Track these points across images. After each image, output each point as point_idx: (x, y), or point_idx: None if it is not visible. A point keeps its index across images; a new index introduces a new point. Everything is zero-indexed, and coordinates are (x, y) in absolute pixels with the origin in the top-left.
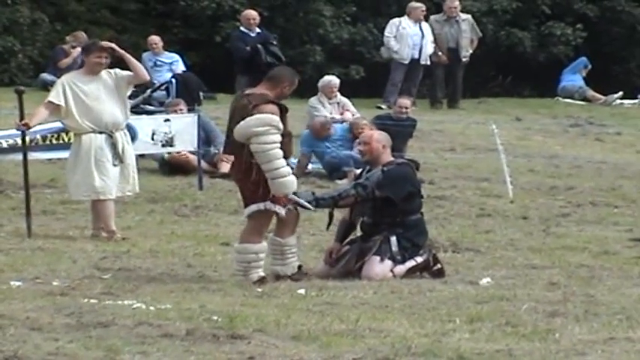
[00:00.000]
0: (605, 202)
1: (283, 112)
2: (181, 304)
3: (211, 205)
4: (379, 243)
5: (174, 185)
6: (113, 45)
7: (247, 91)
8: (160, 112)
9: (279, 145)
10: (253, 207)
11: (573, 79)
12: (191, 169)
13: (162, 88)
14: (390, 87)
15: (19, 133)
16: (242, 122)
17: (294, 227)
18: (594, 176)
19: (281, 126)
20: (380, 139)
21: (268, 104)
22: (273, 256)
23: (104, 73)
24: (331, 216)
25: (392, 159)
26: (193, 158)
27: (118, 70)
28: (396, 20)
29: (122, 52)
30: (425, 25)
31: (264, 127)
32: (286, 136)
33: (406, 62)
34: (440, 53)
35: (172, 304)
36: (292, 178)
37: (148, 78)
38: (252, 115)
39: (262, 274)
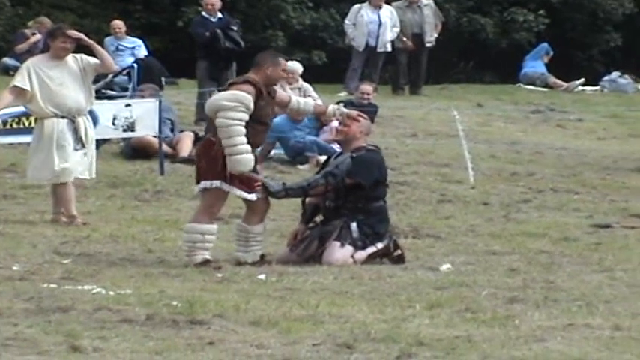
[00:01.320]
0: (566, 189)
1: (263, 95)
2: (141, 289)
3: (172, 190)
4: (339, 228)
5: (135, 170)
6: (81, 35)
7: (231, 81)
8: (122, 97)
9: (243, 123)
10: (202, 184)
11: (535, 65)
12: (154, 152)
13: (124, 73)
14: (350, 73)
15: None
16: (214, 95)
17: (263, 215)
18: (555, 163)
19: (251, 106)
20: (362, 124)
21: (245, 84)
22: (238, 242)
23: (70, 58)
24: (304, 205)
25: (363, 145)
26: (155, 141)
27: (84, 56)
28: (356, 7)
29: (90, 42)
30: (385, 11)
31: (233, 103)
32: (263, 124)
33: (361, 49)
34: (405, 39)
35: (132, 289)
36: (249, 157)
37: (115, 68)
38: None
39: (207, 256)
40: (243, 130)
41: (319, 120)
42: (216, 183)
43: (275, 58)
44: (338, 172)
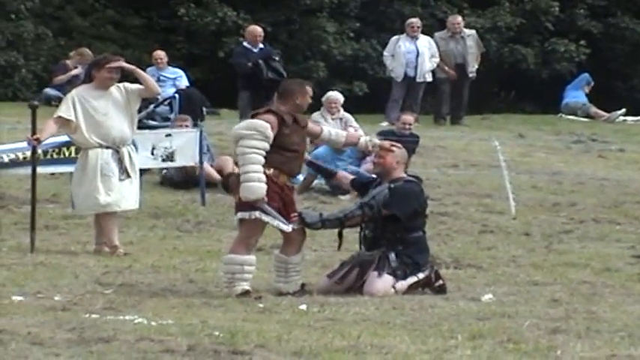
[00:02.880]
0: (608, 219)
1: (286, 123)
2: (183, 319)
3: (213, 220)
4: (378, 258)
5: (176, 200)
6: (122, 63)
7: (254, 112)
8: (163, 127)
9: (261, 151)
10: (239, 214)
11: (576, 95)
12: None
13: (166, 103)
14: (391, 103)
15: (22, 147)
16: (236, 126)
17: (301, 245)
18: (597, 193)
19: (269, 134)
20: (397, 154)
21: (265, 113)
22: (277, 273)
23: (113, 88)
24: (341, 236)
25: (402, 175)
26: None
27: (127, 84)
28: (394, 38)
29: (131, 67)
30: (423, 42)
31: (249, 131)
32: (291, 151)
33: (400, 80)
34: (447, 69)
35: (174, 320)
36: (260, 186)
37: (159, 90)
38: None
39: (247, 287)
40: (260, 159)
41: (361, 150)
42: (255, 213)
43: (302, 86)
44: (374, 202)
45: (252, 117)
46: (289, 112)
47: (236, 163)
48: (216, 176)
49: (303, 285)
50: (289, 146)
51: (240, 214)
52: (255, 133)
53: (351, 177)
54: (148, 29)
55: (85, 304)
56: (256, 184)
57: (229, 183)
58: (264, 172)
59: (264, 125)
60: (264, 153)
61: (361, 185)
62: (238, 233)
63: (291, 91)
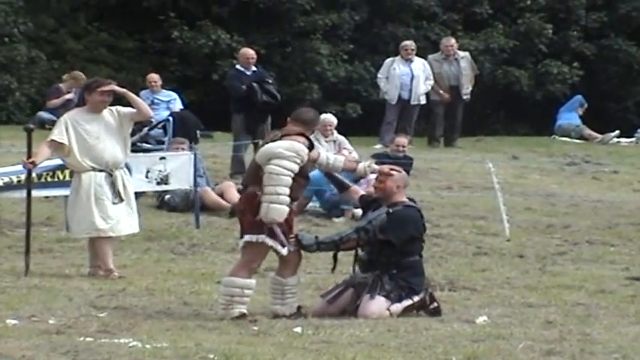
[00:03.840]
0: (602, 241)
1: (310, 150)
2: (177, 342)
3: (208, 243)
4: (372, 281)
5: (170, 223)
6: (113, 86)
7: (281, 132)
8: (157, 150)
9: (292, 175)
10: (246, 237)
11: (570, 117)
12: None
13: (160, 126)
14: (385, 126)
15: (17, 170)
16: (271, 143)
17: (296, 267)
18: (591, 215)
19: (305, 159)
20: (397, 178)
21: (300, 136)
22: (274, 295)
23: (106, 112)
24: (335, 259)
25: (402, 200)
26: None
27: (120, 108)
28: (388, 61)
29: (123, 90)
30: (417, 64)
31: (290, 153)
32: (306, 178)
33: (394, 102)
34: (441, 92)
35: (169, 343)
36: (287, 209)
37: (151, 114)
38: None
39: (244, 310)
40: (291, 182)
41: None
42: (262, 237)
43: (318, 116)
44: (370, 227)
45: (282, 137)
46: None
47: (239, 190)
48: (224, 203)
49: (299, 307)
50: (305, 173)
51: (247, 237)
52: (295, 155)
53: (362, 192)
54: (141, 52)
55: (80, 327)
56: (284, 207)
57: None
58: None
59: (304, 149)
60: (293, 176)
61: (367, 203)
62: (241, 256)
63: (312, 120)
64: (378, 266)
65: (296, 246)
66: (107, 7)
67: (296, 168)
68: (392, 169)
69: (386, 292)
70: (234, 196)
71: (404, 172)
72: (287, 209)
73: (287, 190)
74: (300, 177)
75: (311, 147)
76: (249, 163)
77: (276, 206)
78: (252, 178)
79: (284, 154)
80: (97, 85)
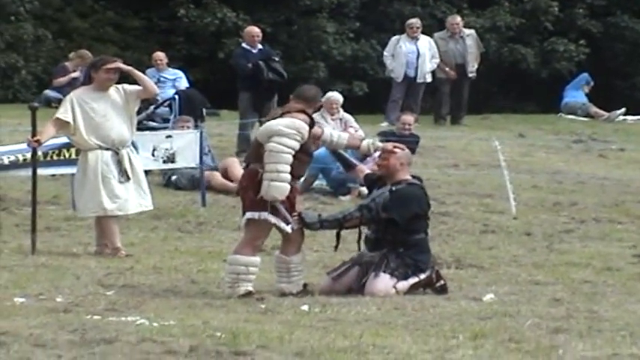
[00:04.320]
0: (609, 219)
1: (312, 127)
2: (185, 320)
3: (214, 221)
4: (379, 259)
5: (177, 202)
6: (119, 64)
7: (282, 109)
8: (163, 128)
9: (293, 152)
10: (248, 214)
11: (576, 95)
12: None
13: (166, 104)
14: (391, 104)
15: (23, 149)
16: (271, 120)
17: (300, 245)
18: (598, 192)
19: (306, 136)
20: (400, 156)
21: (301, 113)
22: (279, 274)
23: (112, 90)
24: (338, 237)
25: (406, 177)
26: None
27: (126, 86)
28: (394, 38)
29: (128, 67)
30: (423, 42)
31: (290, 130)
32: (309, 155)
33: (399, 80)
34: (447, 69)
35: (176, 321)
36: (287, 186)
37: (157, 91)
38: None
39: (250, 288)
40: (291, 159)
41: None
42: (264, 214)
43: (320, 93)
44: (373, 205)
45: (283, 114)
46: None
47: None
48: (231, 185)
49: (305, 285)
50: (309, 150)
51: (249, 214)
52: (295, 133)
53: (368, 171)
54: (147, 30)
55: (87, 305)
56: (285, 185)
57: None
58: None
59: (304, 127)
60: (293, 153)
61: (372, 181)
62: (244, 234)
63: (314, 96)
64: (384, 244)
65: (299, 224)
66: None
67: (296, 145)
68: (395, 147)
69: (391, 269)
70: (239, 172)
71: (407, 150)
72: (288, 187)
73: (287, 168)
74: (303, 154)
75: (312, 124)
76: (252, 141)
77: (277, 184)
78: (254, 156)
79: (284, 131)
80: (103, 62)
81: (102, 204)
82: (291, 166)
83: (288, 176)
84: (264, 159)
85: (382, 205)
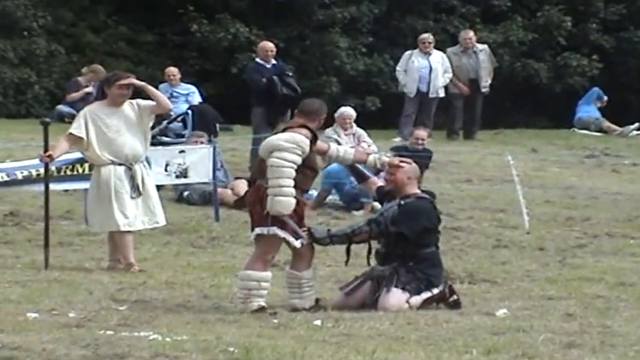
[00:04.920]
0: (622, 233)
1: (316, 141)
2: (198, 335)
3: (227, 236)
4: (389, 274)
5: (190, 217)
6: (132, 80)
7: (285, 124)
8: (176, 143)
9: (295, 166)
10: (257, 230)
11: (589, 110)
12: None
13: (179, 119)
14: (404, 119)
15: (36, 164)
16: (272, 136)
17: (310, 260)
18: (610, 207)
19: (307, 150)
20: (407, 170)
21: (302, 128)
22: (291, 290)
23: (126, 105)
24: (349, 252)
25: (414, 192)
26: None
27: (140, 101)
28: (407, 54)
29: (142, 83)
30: (435, 57)
31: (290, 144)
32: (313, 170)
33: (412, 95)
34: (460, 84)
35: (189, 336)
36: (292, 200)
37: (170, 106)
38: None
39: (263, 303)
40: (293, 174)
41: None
42: (273, 229)
43: (324, 106)
44: (382, 219)
45: (285, 130)
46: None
47: (250, 183)
48: (233, 197)
49: (317, 300)
50: (312, 164)
51: (258, 230)
52: (296, 147)
53: (380, 183)
54: (160, 46)
55: (100, 320)
56: (289, 199)
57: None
58: None
59: (305, 141)
60: (295, 168)
61: (384, 195)
62: (255, 249)
63: (317, 110)
64: (394, 258)
65: (308, 239)
66: (126, 1)
67: (297, 159)
68: (402, 161)
69: (402, 284)
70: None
71: (414, 164)
72: (293, 201)
73: (290, 182)
74: (306, 168)
75: (314, 138)
76: (257, 158)
77: (281, 198)
78: (259, 172)
79: (283, 145)
80: (116, 78)
81: (115, 219)
82: (296, 180)
83: (292, 190)
84: (266, 174)
85: (391, 219)
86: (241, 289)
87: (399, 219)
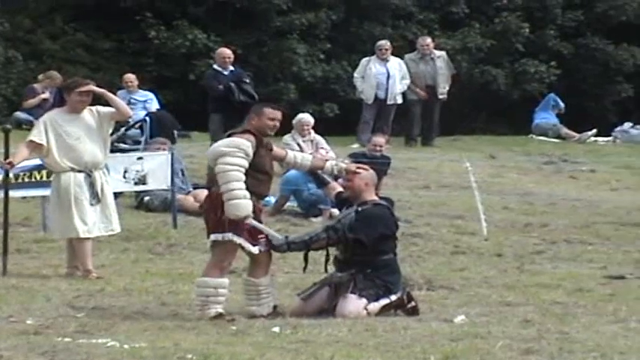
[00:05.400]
0: (580, 240)
1: (262, 145)
2: (155, 342)
3: (185, 243)
4: (347, 280)
5: (148, 223)
6: (92, 87)
7: (230, 132)
8: (134, 150)
9: (242, 169)
10: (212, 236)
11: (547, 116)
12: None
13: (137, 126)
14: (362, 125)
15: None
16: (214, 144)
17: (268, 267)
18: (568, 213)
19: (250, 152)
20: (364, 176)
21: (243, 133)
22: (248, 297)
23: (86, 112)
24: (306, 259)
25: (372, 198)
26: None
27: (100, 108)
28: (364, 60)
29: (102, 90)
30: (393, 64)
31: (231, 149)
32: (266, 174)
33: (370, 102)
34: (418, 91)
35: (147, 343)
36: (247, 202)
37: (130, 114)
38: None
39: (220, 310)
40: (242, 176)
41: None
42: (228, 235)
43: (260, 108)
44: (339, 226)
45: (229, 136)
46: (259, 131)
47: (208, 188)
48: (194, 204)
49: (275, 307)
50: (263, 168)
51: (213, 237)
52: (237, 150)
53: (340, 189)
54: (118, 52)
55: (58, 327)
56: (243, 201)
57: (205, 205)
58: None
59: (245, 143)
60: (244, 171)
61: (343, 201)
62: (212, 256)
63: (260, 110)
64: (352, 265)
65: (266, 245)
66: (84, 8)
67: (242, 162)
68: (359, 168)
69: (360, 290)
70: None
71: (371, 170)
72: (248, 202)
73: (240, 185)
74: (259, 172)
75: (260, 141)
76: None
77: (235, 202)
78: (212, 180)
79: (224, 151)
80: (76, 85)
81: (74, 226)
82: (250, 184)
83: (245, 192)
84: (217, 180)
85: (348, 226)
86: (199, 295)
87: (357, 226)
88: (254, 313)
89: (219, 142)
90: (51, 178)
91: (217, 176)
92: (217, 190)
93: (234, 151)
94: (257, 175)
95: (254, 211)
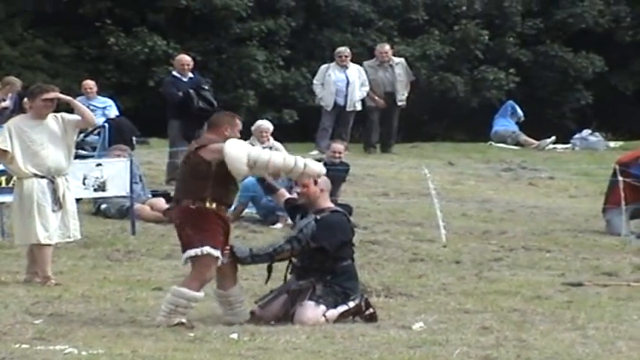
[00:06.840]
0: (538, 247)
1: None
2: (113, 349)
3: (143, 249)
4: (305, 288)
5: (106, 230)
6: (57, 94)
7: (196, 143)
8: (92, 156)
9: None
10: (190, 252)
11: (505, 123)
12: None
13: (95, 132)
14: (321, 132)
15: None
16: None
17: (235, 277)
18: (527, 221)
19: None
20: (319, 183)
21: (216, 144)
22: (223, 308)
23: (50, 118)
24: (270, 270)
25: (328, 205)
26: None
27: (65, 115)
28: (324, 67)
29: (68, 97)
30: (353, 71)
31: (242, 145)
32: (235, 184)
33: (329, 109)
34: (377, 98)
35: (104, 349)
36: (310, 160)
37: (96, 121)
38: (195, 155)
39: (183, 320)
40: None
41: (291, 179)
42: (206, 249)
43: (232, 118)
44: (302, 236)
45: (198, 148)
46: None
47: (168, 197)
48: (159, 215)
49: (252, 313)
50: (233, 178)
51: (192, 252)
52: (245, 144)
53: (288, 196)
54: (77, 58)
55: (15, 334)
56: (307, 160)
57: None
58: (207, 207)
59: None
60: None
61: (293, 208)
62: (192, 269)
63: (220, 122)
64: (312, 273)
65: (230, 257)
66: (43, 14)
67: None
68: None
69: (318, 297)
70: (163, 205)
71: (325, 177)
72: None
73: (283, 154)
74: (230, 182)
75: None
76: (177, 177)
77: (305, 166)
78: (183, 191)
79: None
80: (41, 91)
81: (35, 232)
82: (221, 195)
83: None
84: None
85: (311, 236)
86: (169, 303)
87: (319, 234)
88: (232, 322)
89: (227, 150)
90: (11, 184)
91: (269, 164)
92: (189, 204)
93: (247, 145)
94: (227, 186)
95: (224, 222)
